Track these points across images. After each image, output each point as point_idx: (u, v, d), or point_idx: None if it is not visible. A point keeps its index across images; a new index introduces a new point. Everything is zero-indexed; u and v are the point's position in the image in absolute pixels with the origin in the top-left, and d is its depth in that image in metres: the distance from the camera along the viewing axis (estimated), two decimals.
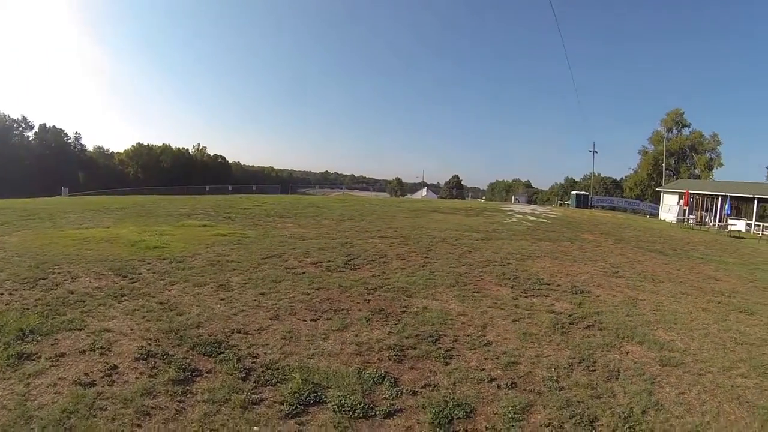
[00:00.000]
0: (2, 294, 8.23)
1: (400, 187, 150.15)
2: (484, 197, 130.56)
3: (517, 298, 9.96)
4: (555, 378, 6.19)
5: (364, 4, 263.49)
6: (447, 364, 6.44)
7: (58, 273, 9.73)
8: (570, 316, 8.99)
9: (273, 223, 19.35)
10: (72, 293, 8.49)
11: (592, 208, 60.52)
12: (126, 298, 8.46)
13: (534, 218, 30.19)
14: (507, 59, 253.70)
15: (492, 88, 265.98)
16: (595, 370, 6.54)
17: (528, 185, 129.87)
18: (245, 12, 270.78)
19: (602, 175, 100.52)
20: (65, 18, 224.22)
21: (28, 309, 7.51)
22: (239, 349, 6.58)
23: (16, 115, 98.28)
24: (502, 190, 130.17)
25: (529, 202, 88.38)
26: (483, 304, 9.39)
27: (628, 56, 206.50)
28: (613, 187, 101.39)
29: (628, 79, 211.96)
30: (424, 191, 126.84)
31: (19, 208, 22.29)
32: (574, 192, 68.40)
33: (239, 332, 7.22)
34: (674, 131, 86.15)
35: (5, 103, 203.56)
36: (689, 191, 46.55)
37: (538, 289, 10.86)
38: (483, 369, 6.34)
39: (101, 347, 6.29)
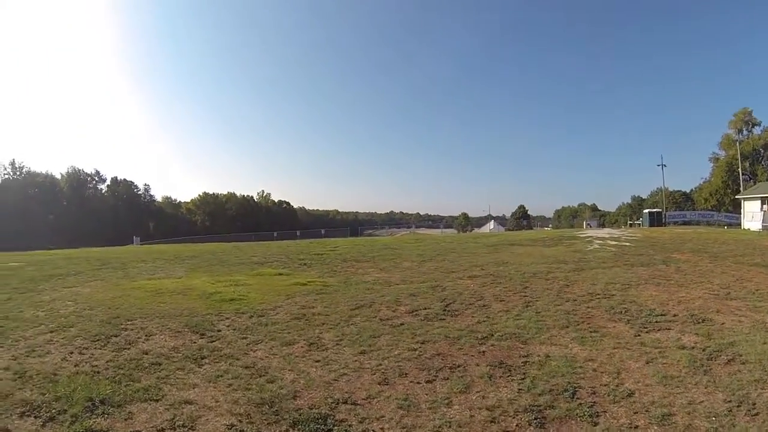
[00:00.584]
0: (72, 353, 7.72)
1: (467, 222, 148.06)
2: (550, 225, 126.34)
3: (639, 335, 9.32)
4: (718, 429, 5.53)
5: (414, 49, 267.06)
6: (595, 424, 5.74)
7: (131, 329, 9.26)
8: (704, 350, 8.29)
9: (352, 269, 18.43)
10: (146, 354, 7.87)
11: (666, 225, 56.56)
12: (206, 360, 7.71)
13: (615, 242, 27.91)
14: (553, 79, 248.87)
15: (546, 113, 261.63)
16: (757, 413, 5.84)
17: (594, 208, 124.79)
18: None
19: (671, 189, 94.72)
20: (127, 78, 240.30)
21: (98, 373, 6.95)
22: (350, 425, 5.58)
23: (89, 170, 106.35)
24: (569, 216, 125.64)
25: (600, 225, 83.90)
26: (606, 345, 8.72)
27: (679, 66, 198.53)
28: (684, 200, 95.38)
29: (681, 89, 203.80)
30: (491, 224, 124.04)
31: (93, 257, 22.84)
32: (646, 210, 64.41)
33: (346, 402, 6.22)
34: (744, 132, 79.59)
35: (81, 159, 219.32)
36: None
37: (656, 322, 10.16)
38: (637, 426, 5.65)
39: (183, 425, 5.43)
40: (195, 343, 8.51)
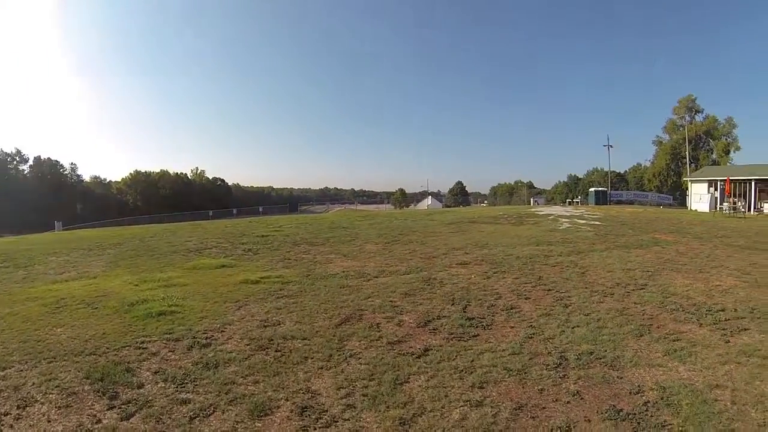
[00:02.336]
0: None
1: (403, 198, 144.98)
2: (486, 202, 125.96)
3: (728, 341, 7.30)
4: None
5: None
6: None
7: None
8: None
9: (308, 255, 14.95)
10: None
11: (610, 204, 56.46)
12: None
13: (584, 221, 26.12)
14: (498, 58, 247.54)
15: (487, 88, 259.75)
16: None
17: (531, 186, 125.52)
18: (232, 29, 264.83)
19: (604, 170, 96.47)
20: (52, 47, 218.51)
21: None
22: None
23: (9, 149, 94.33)
24: (505, 193, 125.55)
25: (547, 202, 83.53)
26: (709, 360, 6.51)
27: (623, 52, 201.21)
28: (618, 180, 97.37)
29: (619, 73, 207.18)
30: (429, 200, 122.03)
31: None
32: (592, 189, 64.61)
33: None
34: (687, 118, 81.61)
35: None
36: (730, 178, 42.07)
37: (726, 320, 8.29)
38: None
39: None
40: (98, 422, 4.75)
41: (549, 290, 10.17)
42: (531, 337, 7.20)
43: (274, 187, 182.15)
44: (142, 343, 6.91)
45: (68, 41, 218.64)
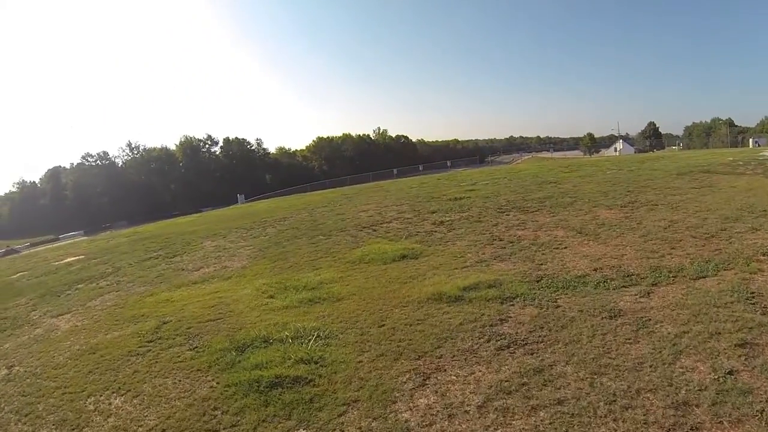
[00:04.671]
0: None
1: (593, 143, 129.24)
2: (680, 144, 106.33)
3: None
4: None
5: None
6: None
7: None
8: None
9: (524, 230, 10.44)
10: None
11: None
12: None
13: None
14: None
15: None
16: None
17: (731, 124, 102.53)
18: None
19: None
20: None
21: None
22: None
23: (201, 135, 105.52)
24: (701, 134, 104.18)
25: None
26: None
27: None
28: None
29: None
30: (619, 145, 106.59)
31: (157, 234, 18.22)
32: None
33: None
34: None
35: (193, 127, 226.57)
36: None
37: None
38: None
39: None
40: None
41: None
42: None
43: (459, 139, 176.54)
44: None
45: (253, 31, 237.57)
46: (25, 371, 6.67)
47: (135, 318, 8.08)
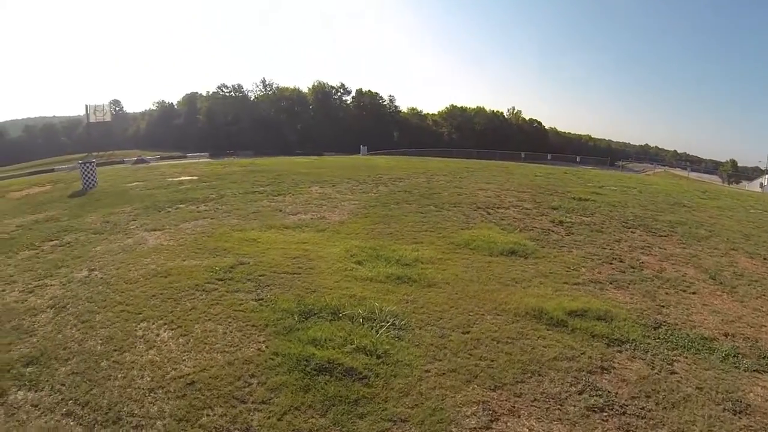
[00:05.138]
0: None
1: (734, 172, 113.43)
2: None
3: None
4: None
5: None
6: None
7: None
8: None
9: (648, 254, 8.92)
10: None
11: None
12: None
13: None
14: None
15: None
16: None
17: None
18: None
19: None
20: None
21: None
22: None
23: (335, 83, 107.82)
24: None
25: None
26: None
27: None
28: None
29: None
30: (765, 180, 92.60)
31: (271, 169, 18.57)
32: None
33: None
34: None
35: (326, 74, 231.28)
36: None
37: None
38: None
39: None
40: None
41: None
42: None
43: (592, 136, 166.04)
44: None
45: None
46: (101, 278, 6.87)
47: (216, 250, 8.05)
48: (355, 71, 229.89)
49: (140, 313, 5.58)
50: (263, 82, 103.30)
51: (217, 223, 10.10)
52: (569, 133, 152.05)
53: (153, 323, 5.29)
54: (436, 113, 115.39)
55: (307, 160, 26.35)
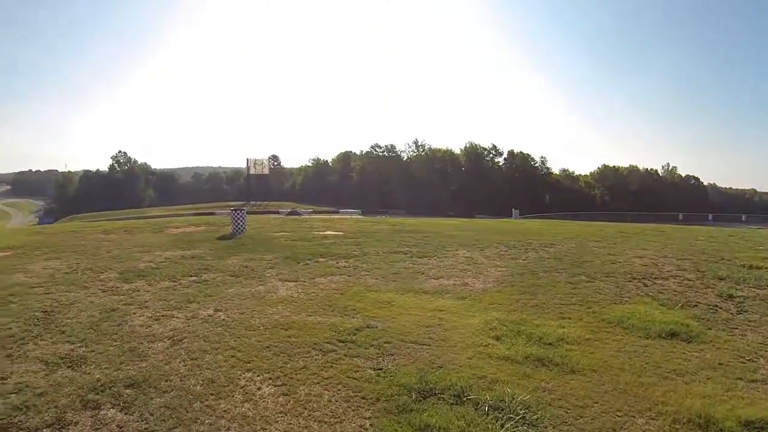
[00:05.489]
0: None
1: None
2: None
3: None
4: None
5: None
6: None
7: None
8: None
9: None
10: None
11: None
12: None
13: None
14: None
15: None
16: None
17: None
18: None
19: None
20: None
21: None
22: None
23: (486, 144, 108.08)
24: None
25: None
26: None
27: None
28: None
29: None
30: None
31: (419, 230, 17.99)
32: None
33: None
34: None
35: (478, 136, 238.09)
36: None
37: None
38: None
39: None
40: None
41: None
42: None
43: (757, 190, 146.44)
44: None
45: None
46: (223, 319, 7.00)
47: (345, 309, 7.80)
48: (506, 131, 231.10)
49: (249, 362, 5.49)
50: (416, 142, 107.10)
51: (353, 281, 9.97)
52: (730, 188, 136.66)
53: (258, 375, 5.06)
54: (588, 174, 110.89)
55: (457, 222, 25.83)
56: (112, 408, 4.58)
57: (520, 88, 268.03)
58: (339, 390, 4.73)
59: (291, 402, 4.55)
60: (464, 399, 4.58)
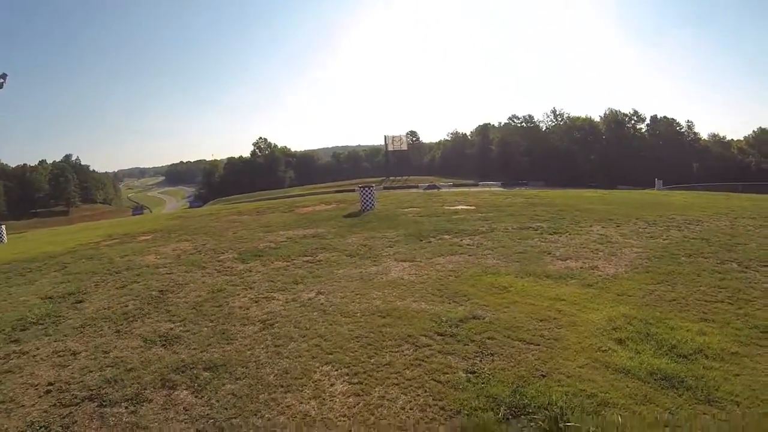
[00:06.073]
0: None
1: None
2: None
3: None
4: None
5: None
6: None
7: None
8: None
9: None
10: None
11: None
12: None
13: None
14: None
15: None
16: None
17: None
18: None
19: None
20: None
21: None
22: None
23: (627, 110, 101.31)
24: None
25: None
26: None
27: None
28: None
29: None
30: None
31: (554, 203, 17.04)
32: None
33: None
34: None
35: (619, 101, 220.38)
36: None
37: None
38: None
39: None
40: None
41: None
42: None
43: None
44: None
45: None
46: (322, 303, 6.83)
47: (455, 295, 7.09)
48: (648, 94, 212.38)
49: (331, 354, 5.20)
50: (553, 111, 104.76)
51: (473, 262, 9.20)
52: None
53: (336, 369, 4.82)
54: (742, 139, 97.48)
55: (595, 194, 23.89)
56: (186, 390, 4.65)
57: (665, 44, 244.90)
58: (418, 395, 4.16)
59: (360, 404, 4.19)
60: (560, 426, 3.61)
